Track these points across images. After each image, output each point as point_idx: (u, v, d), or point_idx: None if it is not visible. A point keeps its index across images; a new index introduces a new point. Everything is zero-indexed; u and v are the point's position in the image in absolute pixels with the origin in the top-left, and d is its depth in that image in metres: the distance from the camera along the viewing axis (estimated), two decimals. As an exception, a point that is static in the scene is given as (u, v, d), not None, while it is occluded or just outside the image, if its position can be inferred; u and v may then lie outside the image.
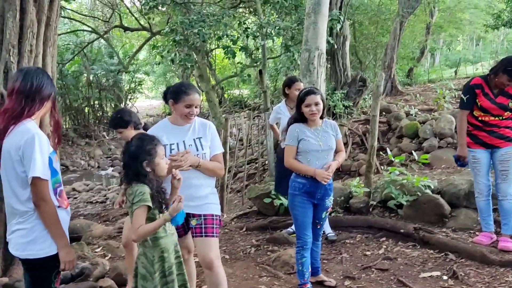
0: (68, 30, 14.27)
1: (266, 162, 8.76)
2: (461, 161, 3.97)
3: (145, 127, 3.50)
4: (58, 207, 2.21)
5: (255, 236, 4.96)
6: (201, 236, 2.74)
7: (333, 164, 3.27)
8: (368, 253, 4.15)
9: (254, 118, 13.72)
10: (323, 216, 3.42)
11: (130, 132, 3.31)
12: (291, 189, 3.37)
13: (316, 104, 3.20)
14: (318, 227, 3.46)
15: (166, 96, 2.88)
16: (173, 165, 2.51)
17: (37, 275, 2.20)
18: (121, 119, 3.43)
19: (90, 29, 14.40)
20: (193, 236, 2.81)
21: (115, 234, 5.51)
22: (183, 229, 2.84)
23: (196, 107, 2.75)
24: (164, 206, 2.33)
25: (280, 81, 17.65)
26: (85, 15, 16.22)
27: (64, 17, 13.03)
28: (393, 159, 5.30)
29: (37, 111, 2.20)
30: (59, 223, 2.16)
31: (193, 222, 2.75)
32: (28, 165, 2.05)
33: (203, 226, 2.74)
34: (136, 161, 2.28)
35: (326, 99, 8.19)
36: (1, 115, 2.16)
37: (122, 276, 3.86)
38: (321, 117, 3.34)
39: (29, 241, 2.13)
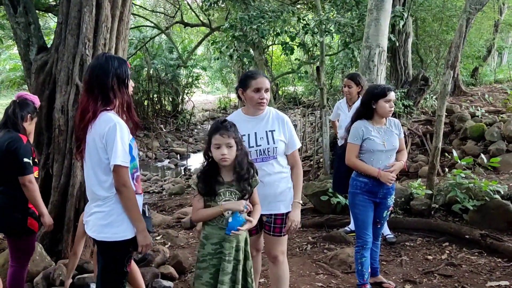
0: (132, 26, 14.84)
1: (321, 160, 8.66)
2: None
3: None
4: (135, 192, 2.30)
5: (311, 233, 4.93)
6: (269, 234, 2.77)
7: (397, 165, 3.20)
8: (429, 257, 4.00)
9: (308, 115, 13.62)
10: (384, 215, 3.35)
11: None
12: (352, 187, 3.31)
13: (394, 102, 3.17)
14: (379, 226, 3.39)
15: (237, 90, 2.79)
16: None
17: (111, 257, 2.29)
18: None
19: (152, 24, 14.89)
20: (264, 230, 2.81)
21: (174, 223, 5.69)
22: (255, 228, 2.74)
23: (266, 91, 2.63)
24: (215, 196, 2.32)
25: (336, 79, 17.38)
26: (151, 11, 16.78)
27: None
28: (458, 161, 5.05)
29: (114, 99, 2.28)
30: (138, 208, 2.25)
31: (264, 218, 2.76)
32: (110, 153, 2.16)
33: (272, 225, 2.74)
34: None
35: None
36: (82, 107, 2.27)
37: (182, 264, 3.98)
38: None
39: (106, 224, 2.22)
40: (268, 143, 2.66)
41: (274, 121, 2.73)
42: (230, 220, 2.30)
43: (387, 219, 3.46)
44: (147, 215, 2.75)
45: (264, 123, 2.71)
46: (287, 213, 2.74)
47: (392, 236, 4.42)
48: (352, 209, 3.36)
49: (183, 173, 11.71)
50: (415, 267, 3.84)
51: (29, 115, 3.08)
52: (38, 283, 3.55)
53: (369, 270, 3.29)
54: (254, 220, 2.40)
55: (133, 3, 12.25)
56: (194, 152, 14.24)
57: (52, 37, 4.29)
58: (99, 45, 4.03)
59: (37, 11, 5.08)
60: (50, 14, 8.55)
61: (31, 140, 3.19)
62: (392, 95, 3.15)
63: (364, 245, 3.24)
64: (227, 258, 2.32)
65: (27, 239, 3.04)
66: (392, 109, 3.16)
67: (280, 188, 2.71)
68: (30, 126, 3.12)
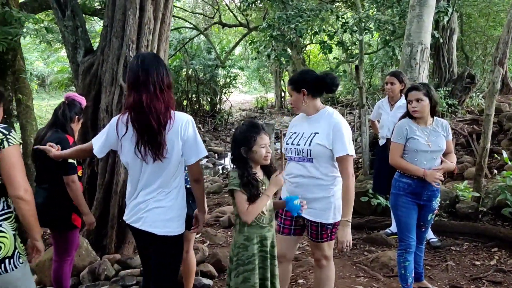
0: (172, 27, 15.14)
1: (360, 160, 8.50)
2: None
3: None
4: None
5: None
6: (308, 236, 2.75)
7: (447, 164, 3.08)
8: (477, 263, 3.83)
9: (346, 115, 13.42)
10: (429, 219, 3.23)
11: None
12: (394, 188, 3.22)
13: (418, 100, 3.05)
14: (423, 230, 3.27)
15: None
16: None
17: (169, 252, 2.32)
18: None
19: (192, 26, 15.13)
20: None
21: (212, 222, 5.74)
22: (287, 227, 2.77)
23: (291, 96, 2.73)
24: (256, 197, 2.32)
25: (375, 77, 17.05)
26: (191, 12, 17.08)
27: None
28: (508, 163, 4.81)
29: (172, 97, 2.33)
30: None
31: (304, 221, 2.73)
32: (194, 148, 2.24)
33: (309, 230, 2.70)
34: (236, 146, 2.36)
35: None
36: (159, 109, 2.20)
37: (221, 263, 4.01)
38: (432, 115, 3.16)
39: (168, 218, 2.25)
40: (304, 145, 2.62)
41: (324, 123, 2.62)
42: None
43: (432, 222, 3.33)
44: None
45: (315, 125, 2.65)
46: (321, 223, 2.64)
47: (436, 240, 4.27)
48: (394, 211, 3.27)
49: (220, 172, 11.81)
50: (461, 273, 3.69)
51: (76, 116, 3.19)
52: (84, 277, 3.67)
53: (413, 275, 3.19)
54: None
55: (174, 5, 12.51)
56: (231, 152, 14.33)
57: (98, 40, 4.43)
58: (142, 46, 4.13)
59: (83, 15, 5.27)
60: (95, 18, 8.87)
61: (75, 138, 3.31)
62: (411, 94, 3.07)
63: (407, 248, 3.14)
64: (267, 255, 2.35)
65: (70, 234, 3.13)
66: (416, 108, 3.05)
67: (313, 194, 2.60)
68: (76, 126, 3.23)
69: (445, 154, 3.14)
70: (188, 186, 2.97)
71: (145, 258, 2.48)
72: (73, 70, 4.50)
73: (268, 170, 2.42)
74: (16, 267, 2.04)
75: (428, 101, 3.06)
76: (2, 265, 2.00)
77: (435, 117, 3.17)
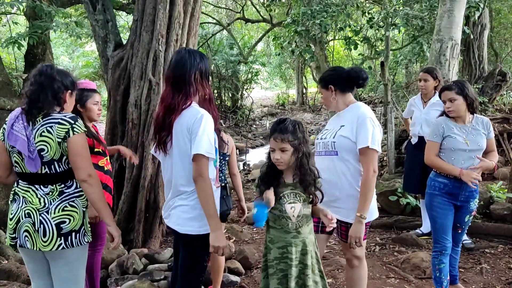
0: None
1: (385, 158, 8.35)
2: None
3: None
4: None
5: (378, 234, 4.75)
6: (338, 237, 2.68)
7: (485, 163, 2.95)
8: (513, 266, 3.71)
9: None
10: (466, 220, 3.12)
11: None
12: (430, 188, 3.12)
13: (451, 100, 2.98)
14: (460, 231, 3.16)
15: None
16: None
17: (193, 251, 2.28)
18: None
19: (215, 21, 15.11)
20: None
21: (237, 218, 5.71)
22: (315, 225, 2.63)
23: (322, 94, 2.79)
24: (279, 198, 2.24)
25: (399, 74, 16.72)
26: (218, 7, 17.04)
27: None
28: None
29: (197, 93, 2.27)
30: (213, 202, 2.14)
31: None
32: (193, 143, 2.12)
33: (338, 230, 2.64)
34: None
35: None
36: (167, 102, 2.22)
37: (248, 260, 3.98)
38: (472, 113, 3.06)
39: (190, 217, 2.21)
40: (329, 137, 2.62)
41: (350, 116, 2.59)
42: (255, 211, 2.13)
43: (469, 224, 3.21)
44: (228, 194, 2.84)
45: (343, 118, 2.64)
46: (342, 222, 2.58)
47: (470, 241, 4.14)
48: (429, 212, 3.16)
49: (242, 168, 11.78)
50: (497, 276, 3.57)
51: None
52: (113, 270, 3.69)
53: (448, 278, 3.09)
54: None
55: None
56: (253, 148, 14.30)
57: (122, 35, 4.44)
58: (171, 41, 4.11)
59: (112, 9, 5.28)
60: (121, 12, 8.92)
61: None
62: (444, 94, 3.02)
63: (442, 250, 3.04)
64: (293, 262, 2.21)
65: (100, 223, 3.12)
66: (450, 108, 2.98)
67: (341, 191, 2.52)
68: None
69: (486, 153, 3.02)
70: (222, 184, 2.94)
71: (177, 255, 2.48)
72: (103, 64, 4.52)
73: (303, 175, 2.25)
74: (80, 244, 2.19)
75: (462, 100, 2.98)
76: (69, 237, 2.15)
77: (475, 115, 3.06)
